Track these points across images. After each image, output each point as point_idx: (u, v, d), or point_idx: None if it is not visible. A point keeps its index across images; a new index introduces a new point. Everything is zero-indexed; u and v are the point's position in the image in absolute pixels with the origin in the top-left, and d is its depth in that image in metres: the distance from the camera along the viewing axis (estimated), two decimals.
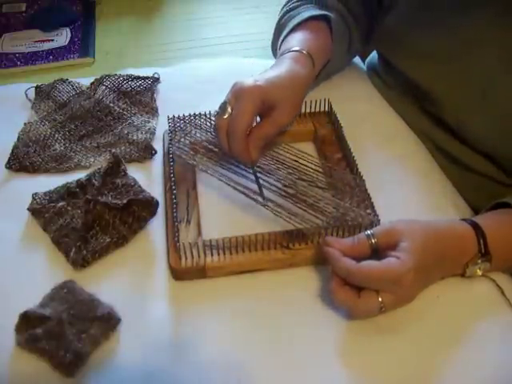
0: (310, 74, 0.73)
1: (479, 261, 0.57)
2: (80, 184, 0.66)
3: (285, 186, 0.64)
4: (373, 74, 0.86)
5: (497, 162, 0.69)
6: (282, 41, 0.78)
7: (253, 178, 0.65)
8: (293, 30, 0.77)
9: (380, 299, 0.53)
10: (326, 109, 0.76)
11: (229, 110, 0.63)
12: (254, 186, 0.64)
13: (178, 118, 0.73)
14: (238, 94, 0.63)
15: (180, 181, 0.67)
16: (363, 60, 0.92)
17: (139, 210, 0.63)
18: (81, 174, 0.68)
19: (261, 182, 0.64)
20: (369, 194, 0.63)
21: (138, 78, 0.85)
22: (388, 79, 0.82)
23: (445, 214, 0.66)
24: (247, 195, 0.63)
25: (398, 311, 0.56)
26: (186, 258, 0.59)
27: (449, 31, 0.70)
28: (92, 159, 0.73)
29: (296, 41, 0.75)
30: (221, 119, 0.63)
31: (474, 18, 0.67)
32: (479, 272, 0.58)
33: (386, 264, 0.53)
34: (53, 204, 0.64)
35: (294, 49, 0.73)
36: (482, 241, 0.57)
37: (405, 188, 0.70)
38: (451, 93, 0.70)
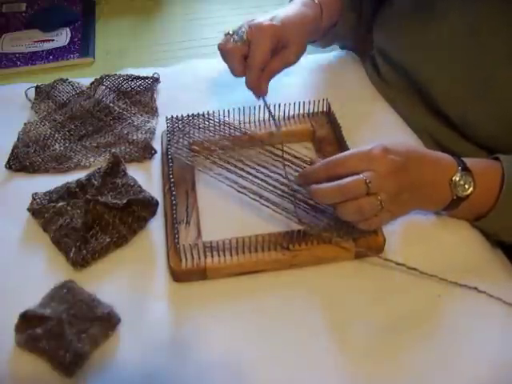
0: (317, 19, 0.78)
1: (460, 173, 0.59)
2: (80, 184, 0.66)
3: (284, 186, 0.64)
4: (373, 73, 0.85)
5: None
6: None
7: (250, 175, 0.65)
8: None
9: (379, 197, 0.55)
10: (325, 109, 0.76)
11: (244, 38, 0.69)
12: (254, 187, 0.64)
13: (177, 118, 0.73)
14: (257, 30, 0.69)
15: (179, 182, 0.67)
16: (362, 58, 0.91)
17: (139, 209, 0.63)
18: (81, 174, 0.68)
19: (260, 181, 0.64)
20: None
21: (138, 77, 0.85)
22: (388, 77, 0.82)
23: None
24: (247, 196, 0.63)
25: (398, 311, 0.57)
26: (187, 260, 0.59)
27: (451, 21, 0.70)
28: (92, 159, 0.73)
29: None
30: (235, 45, 0.70)
31: (477, 7, 0.67)
32: (467, 187, 0.59)
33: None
34: (53, 204, 0.64)
35: None
36: (460, 161, 0.60)
37: None
38: (453, 84, 0.70)
